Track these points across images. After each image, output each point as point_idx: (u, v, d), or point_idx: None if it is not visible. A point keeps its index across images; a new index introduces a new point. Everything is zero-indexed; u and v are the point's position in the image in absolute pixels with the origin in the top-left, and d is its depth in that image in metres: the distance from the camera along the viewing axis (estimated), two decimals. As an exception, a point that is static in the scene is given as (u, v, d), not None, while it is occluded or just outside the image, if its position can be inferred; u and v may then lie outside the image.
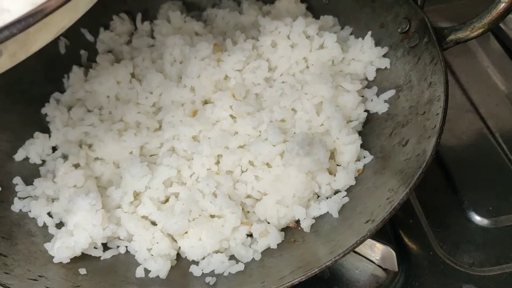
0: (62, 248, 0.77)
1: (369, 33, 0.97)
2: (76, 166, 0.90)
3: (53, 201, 0.86)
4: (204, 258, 0.80)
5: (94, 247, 0.81)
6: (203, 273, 0.78)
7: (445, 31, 0.82)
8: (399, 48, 0.91)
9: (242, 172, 0.85)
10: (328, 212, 0.81)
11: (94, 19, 1.07)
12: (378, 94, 0.93)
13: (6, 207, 0.85)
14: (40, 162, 0.93)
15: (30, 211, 0.85)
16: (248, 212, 0.84)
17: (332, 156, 0.86)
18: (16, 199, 0.86)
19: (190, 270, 0.79)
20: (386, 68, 0.94)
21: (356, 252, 0.85)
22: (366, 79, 0.97)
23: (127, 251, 0.83)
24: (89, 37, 1.07)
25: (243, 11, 1.09)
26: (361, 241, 0.66)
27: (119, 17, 1.09)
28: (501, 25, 1.20)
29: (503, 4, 0.75)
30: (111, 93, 0.97)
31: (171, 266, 0.79)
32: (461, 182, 0.96)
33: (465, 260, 0.85)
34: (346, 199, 0.81)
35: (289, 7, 1.06)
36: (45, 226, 0.84)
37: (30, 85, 0.98)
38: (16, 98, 0.96)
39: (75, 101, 0.99)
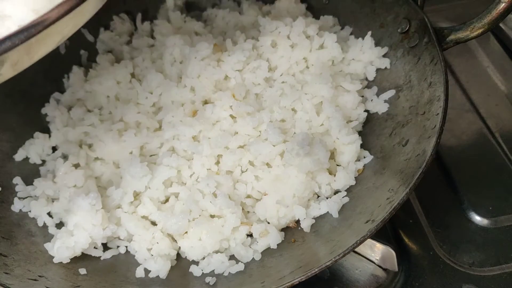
0: (62, 248, 0.77)
1: (369, 33, 0.97)
2: (76, 166, 0.90)
3: (53, 201, 0.86)
4: (204, 258, 0.80)
5: (94, 247, 0.81)
6: (203, 273, 0.78)
7: (445, 31, 0.82)
8: (399, 48, 0.91)
9: (242, 172, 0.85)
10: (328, 212, 0.81)
11: (94, 19, 1.04)
12: (378, 94, 0.93)
13: (6, 207, 0.85)
14: (40, 162, 0.93)
15: (30, 211, 0.85)
16: (248, 212, 0.84)
17: (332, 156, 0.86)
18: (16, 199, 0.86)
19: (190, 270, 0.79)
20: (386, 68, 0.94)
21: (356, 252, 0.85)
22: (366, 79, 0.97)
23: (127, 251, 0.83)
24: (89, 37, 1.07)
25: (243, 11, 1.09)
26: (361, 241, 0.66)
27: (119, 17, 1.09)
28: (501, 25, 1.20)
29: (503, 4, 0.75)
30: (111, 93, 0.97)
31: (171, 266, 0.79)
32: (461, 182, 0.96)
33: (465, 260, 0.85)
34: (346, 199, 0.81)
35: (289, 7, 1.06)
36: (45, 226, 0.84)
37: (30, 85, 0.98)
38: (16, 98, 0.96)
39: (75, 101, 0.99)
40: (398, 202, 0.68)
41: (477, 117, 1.07)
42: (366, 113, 0.92)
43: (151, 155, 0.91)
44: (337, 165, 0.87)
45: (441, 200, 0.94)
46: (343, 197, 0.82)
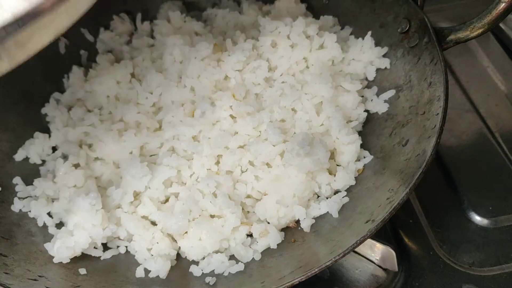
0: (62, 248, 0.77)
1: (369, 33, 0.97)
2: (76, 166, 0.90)
3: (53, 201, 0.86)
4: (204, 258, 0.80)
5: (94, 247, 0.81)
6: (203, 273, 0.78)
7: (445, 31, 0.82)
8: (399, 48, 0.91)
9: (242, 172, 0.85)
10: (328, 212, 0.81)
11: (94, 19, 1.07)
12: (378, 94, 0.93)
13: (6, 207, 0.85)
14: (40, 162, 0.93)
15: (30, 211, 0.85)
16: (248, 212, 0.84)
17: (332, 156, 0.86)
18: (16, 199, 0.86)
19: (190, 270, 0.79)
20: (386, 68, 0.94)
21: (356, 252, 0.85)
22: (366, 79, 0.97)
23: (127, 251, 0.83)
24: (89, 37, 1.07)
25: (243, 11, 1.09)
26: (361, 241, 0.66)
27: (119, 17, 1.09)
28: (501, 25, 1.20)
29: (503, 4, 0.75)
30: (111, 93, 0.97)
31: (171, 266, 0.79)
32: (461, 182, 0.96)
33: (465, 260, 0.85)
34: (346, 199, 0.81)
35: (289, 7, 1.06)
36: (45, 226, 0.84)
37: (30, 85, 0.98)
38: (16, 98, 0.95)
39: (75, 101, 0.99)
40: (398, 202, 0.68)
41: (477, 117, 1.07)
42: (366, 113, 0.92)
43: (151, 155, 0.91)
44: (337, 165, 0.87)
45: (441, 200, 0.94)
46: (343, 197, 0.82)
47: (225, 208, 0.79)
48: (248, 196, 0.84)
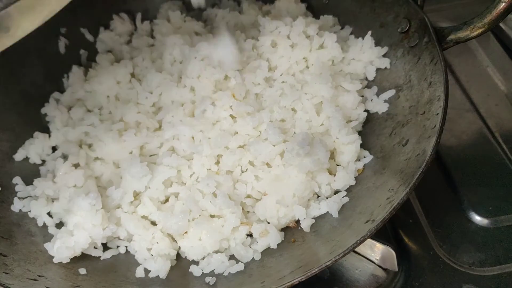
0: (62, 248, 0.77)
1: (369, 33, 0.97)
2: (76, 166, 0.90)
3: (53, 201, 0.86)
4: (204, 258, 0.80)
5: (94, 247, 0.81)
6: (203, 273, 0.78)
7: (445, 31, 0.82)
8: (399, 48, 0.91)
9: (242, 172, 0.85)
10: (328, 212, 0.81)
11: (94, 19, 1.07)
12: (378, 94, 0.93)
13: (6, 207, 0.85)
14: (40, 162, 0.93)
15: (30, 211, 0.85)
16: (248, 212, 0.84)
17: (332, 156, 0.86)
18: (16, 199, 0.86)
19: (190, 270, 0.79)
20: (386, 68, 0.94)
21: (356, 252, 0.85)
22: (366, 79, 0.97)
23: (127, 251, 0.83)
24: (89, 37, 1.07)
25: (243, 11, 1.09)
26: (361, 241, 0.66)
27: (119, 17, 1.09)
28: (501, 25, 1.20)
29: (503, 3, 0.74)
30: (111, 93, 0.97)
31: (171, 266, 0.79)
32: (461, 182, 0.96)
33: (465, 260, 0.85)
34: (346, 199, 0.81)
35: (289, 7, 1.06)
36: (45, 226, 0.84)
37: (30, 85, 0.98)
38: (16, 98, 0.96)
39: (75, 101, 0.99)
40: (398, 202, 0.68)
41: (477, 117, 1.07)
42: (366, 113, 0.92)
43: (151, 155, 0.91)
44: (337, 165, 0.87)
45: (441, 200, 0.94)
46: (343, 197, 0.82)
47: (225, 208, 0.79)
48: (248, 196, 0.84)
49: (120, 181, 0.86)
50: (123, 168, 0.86)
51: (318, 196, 0.84)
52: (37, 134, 0.94)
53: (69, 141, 0.92)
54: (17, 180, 0.88)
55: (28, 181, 0.88)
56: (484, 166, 0.98)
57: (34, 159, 0.92)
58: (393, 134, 0.86)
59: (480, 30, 0.79)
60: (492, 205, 0.92)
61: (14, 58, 0.94)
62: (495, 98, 1.10)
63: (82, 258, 0.80)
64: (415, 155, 0.75)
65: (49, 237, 0.82)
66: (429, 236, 0.89)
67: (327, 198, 0.83)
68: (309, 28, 0.97)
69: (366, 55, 0.96)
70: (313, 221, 0.81)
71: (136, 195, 0.85)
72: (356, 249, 0.81)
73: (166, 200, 0.86)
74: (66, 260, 0.78)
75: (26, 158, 0.93)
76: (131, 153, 0.89)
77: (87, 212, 0.79)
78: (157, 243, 0.80)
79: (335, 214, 0.79)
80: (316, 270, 0.65)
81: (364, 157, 0.87)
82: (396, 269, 0.84)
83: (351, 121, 0.90)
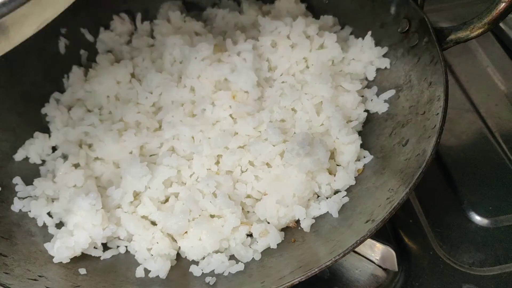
0: (62, 248, 0.77)
1: (369, 33, 0.97)
2: (76, 166, 0.90)
3: (53, 201, 0.86)
4: (204, 258, 0.80)
5: (94, 247, 0.81)
6: (203, 273, 0.78)
7: (445, 31, 0.82)
8: (399, 48, 0.91)
9: (242, 172, 0.85)
10: (328, 212, 0.81)
11: (94, 19, 1.07)
12: (378, 94, 0.93)
13: (6, 207, 0.85)
14: (40, 162, 0.93)
15: (30, 211, 0.85)
16: (248, 212, 0.84)
17: (332, 156, 0.86)
18: (16, 199, 0.86)
19: (190, 270, 0.79)
20: (386, 68, 0.94)
21: (356, 252, 0.85)
22: (366, 79, 0.97)
23: (127, 251, 0.83)
24: (89, 37, 1.07)
25: (243, 11, 1.09)
26: (361, 241, 0.66)
27: (119, 17, 1.09)
28: (501, 25, 1.20)
29: (503, 3, 0.74)
30: (111, 93, 0.97)
31: (171, 266, 0.79)
32: (461, 182, 0.96)
33: (465, 260, 0.85)
34: (346, 199, 0.81)
35: (289, 7, 1.06)
36: (45, 226, 0.84)
37: (30, 85, 0.98)
38: (16, 98, 0.96)
39: (75, 101, 0.99)
40: (398, 202, 0.68)
41: (477, 117, 1.07)
42: (366, 113, 0.92)
43: (151, 155, 0.91)
44: (337, 165, 0.87)
45: (441, 200, 0.94)
46: (343, 197, 0.82)
47: (225, 208, 0.79)
48: (248, 196, 0.84)
49: (120, 181, 0.86)
50: (123, 168, 0.86)
51: (318, 196, 0.84)
52: (37, 134, 0.94)
53: (69, 141, 0.92)
54: (17, 180, 0.88)
55: (28, 181, 0.88)
56: (484, 166, 0.98)
57: (34, 159, 0.92)
58: (393, 134, 0.86)
59: (480, 30, 0.79)
60: (492, 205, 0.92)
61: (14, 58, 0.94)
62: (495, 98, 1.10)
63: (82, 258, 0.80)
64: (415, 155, 0.75)
65: (49, 237, 0.82)
66: (429, 236, 0.89)
67: (327, 198, 0.83)
68: (309, 28, 0.97)
69: (366, 55, 0.96)
70: (313, 221, 0.81)
71: (136, 195, 0.85)
72: (356, 249, 0.81)
73: (166, 200, 0.86)
74: (66, 260, 0.78)
75: (26, 158, 0.93)
76: (131, 153, 0.89)
77: (87, 212, 0.79)
78: (157, 243, 0.80)
79: (335, 214, 0.79)
80: (316, 270, 0.65)
81: (364, 157, 0.87)
82: (396, 269, 0.84)
83: (351, 121, 0.90)
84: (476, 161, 0.99)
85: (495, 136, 1.03)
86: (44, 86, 1.00)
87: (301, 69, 0.96)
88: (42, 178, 0.89)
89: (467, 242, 0.88)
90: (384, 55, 0.95)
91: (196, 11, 1.13)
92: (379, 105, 0.91)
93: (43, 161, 0.94)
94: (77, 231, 0.79)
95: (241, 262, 0.78)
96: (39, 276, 0.74)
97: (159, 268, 0.78)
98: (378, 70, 0.96)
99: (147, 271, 0.79)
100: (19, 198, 0.86)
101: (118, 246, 0.83)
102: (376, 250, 0.84)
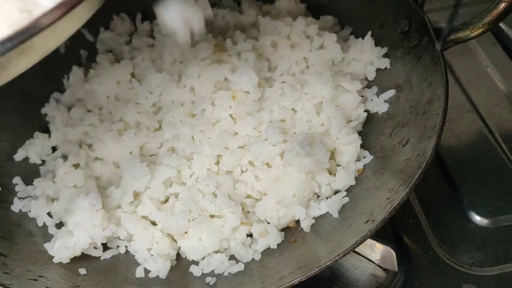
0: (62, 248, 0.77)
1: (369, 33, 0.96)
2: (76, 166, 0.90)
3: (53, 201, 0.86)
4: (204, 258, 0.80)
5: (94, 247, 0.81)
6: (203, 273, 0.78)
7: (445, 31, 0.82)
8: (399, 48, 0.91)
9: (242, 172, 0.85)
10: (328, 212, 0.81)
11: (94, 19, 1.05)
12: (378, 94, 0.93)
13: (6, 207, 0.85)
14: (40, 162, 0.93)
15: (30, 211, 0.85)
16: (248, 212, 0.84)
17: (332, 156, 0.86)
18: (16, 199, 0.86)
19: (190, 270, 0.79)
20: (386, 68, 0.94)
21: (356, 252, 0.85)
22: (366, 79, 0.97)
23: (127, 251, 0.83)
24: (89, 37, 1.07)
25: (243, 11, 1.09)
26: (361, 241, 0.66)
27: (119, 16, 1.09)
28: (501, 25, 1.20)
29: (503, 3, 0.74)
30: (111, 93, 0.97)
31: (171, 266, 0.79)
32: (461, 182, 0.96)
33: (465, 260, 0.85)
34: (346, 199, 0.81)
35: (289, 7, 1.06)
36: (45, 226, 0.84)
37: (30, 85, 0.98)
38: (16, 98, 0.95)
39: (75, 101, 0.99)
40: (398, 202, 0.68)
41: (477, 117, 1.06)
42: (366, 113, 0.92)
43: (151, 155, 0.91)
44: (337, 165, 0.87)
45: (441, 200, 0.94)
46: (343, 197, 0.82)
47: (225, 208, 0.79)
48: (248, 196, 0.84)
49: (120, 181, 0.86)
50: (123, 168, 0.86)
51: (318, 196, 0.84)
52: (37, 134, 0.94)
53: (69, 141, 0.92)
54: (17, 180, 0.88)
55: (28, 181, 0.88)
56: (484, 166, 0.98)
57: (34, 159, 0.92)
58: (393, 134, 0.86)
59: (480, 30, 0.78)
60: (492, 205, 0.92)
61: (14, 58, 0.94)
62: (495, 98, 1.10)
63: (82, 258, 0.80)
64: (415, 155, 0.75)
65: (49, 237, 0.82)
66: (429, 236, 0.89)
67: (327, 198, 0.83)
68: (309, 28, 0.97)
69: (366, 55, 0.96)
70: (313, 221, 0.81)
71: (136, 195, 0.85)
72: (356, 249, 0.81)
73: (166, 200, 0.86)
74: (66, 260, 0.78)
75: (26, 158, 0.93)
76: (131, 153, 0.89)
77: (87, 212, 0.79)
78: (157, 243, 0.80)
79: (335, 214, 0.79)
80: (316, 270, 0.65)
81: (364, 157, 0.87)
82: (396, 269, 0.84)
83: (351, 121, 0.90)
84: (476, 161, 0.99)
85: (495, 136, 1.03)
86: (44, 86, 1.00)
87: (301, 69, 0.96)
88: (42, 178, 0.89)
89: (467, 242, 0.88)
90: (384, 55, 0.95)
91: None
92: (379, 105, 0.92)
93: (43, 161, 0.94)
94: (77, 231, 0.79)
95: (241, 262, 0.78)
96: (39, 276, 0.74)
97: (159, 268, 0.78)
98: (378, 70, 0.96)
99: (147, 271, 0.79)
100: (19, 198, 0.86)
101: (118, 246, 0.83)
102: (376, 250, 0.84)
